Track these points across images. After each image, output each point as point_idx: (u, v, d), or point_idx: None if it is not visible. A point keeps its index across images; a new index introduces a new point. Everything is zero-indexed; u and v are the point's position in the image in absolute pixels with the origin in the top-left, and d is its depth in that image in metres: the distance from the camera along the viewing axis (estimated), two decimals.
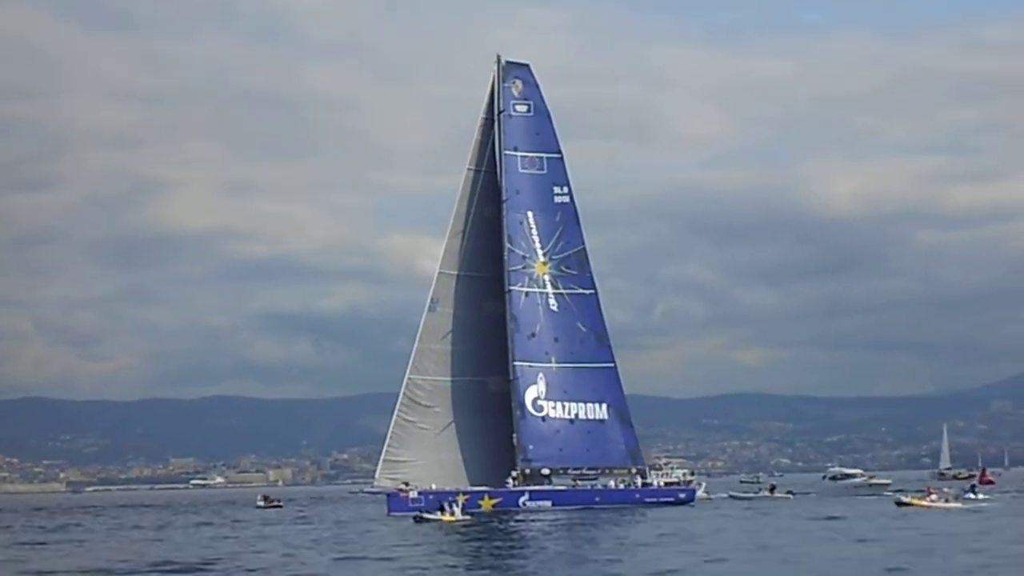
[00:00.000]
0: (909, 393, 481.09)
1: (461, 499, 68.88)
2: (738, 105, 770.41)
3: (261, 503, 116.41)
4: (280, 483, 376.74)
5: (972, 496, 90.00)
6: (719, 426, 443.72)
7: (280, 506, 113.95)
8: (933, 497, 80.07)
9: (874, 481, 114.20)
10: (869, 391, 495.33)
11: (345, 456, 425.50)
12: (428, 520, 64.12)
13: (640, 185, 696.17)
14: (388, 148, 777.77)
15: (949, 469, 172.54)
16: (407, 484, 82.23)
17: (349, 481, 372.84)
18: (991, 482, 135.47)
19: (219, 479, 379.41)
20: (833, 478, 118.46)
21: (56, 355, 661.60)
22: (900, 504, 78.83)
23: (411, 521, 68.93)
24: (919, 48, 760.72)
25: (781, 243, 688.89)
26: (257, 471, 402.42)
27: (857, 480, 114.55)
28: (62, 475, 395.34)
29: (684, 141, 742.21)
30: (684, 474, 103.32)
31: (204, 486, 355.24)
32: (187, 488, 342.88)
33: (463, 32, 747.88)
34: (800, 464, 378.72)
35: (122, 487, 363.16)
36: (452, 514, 63.72)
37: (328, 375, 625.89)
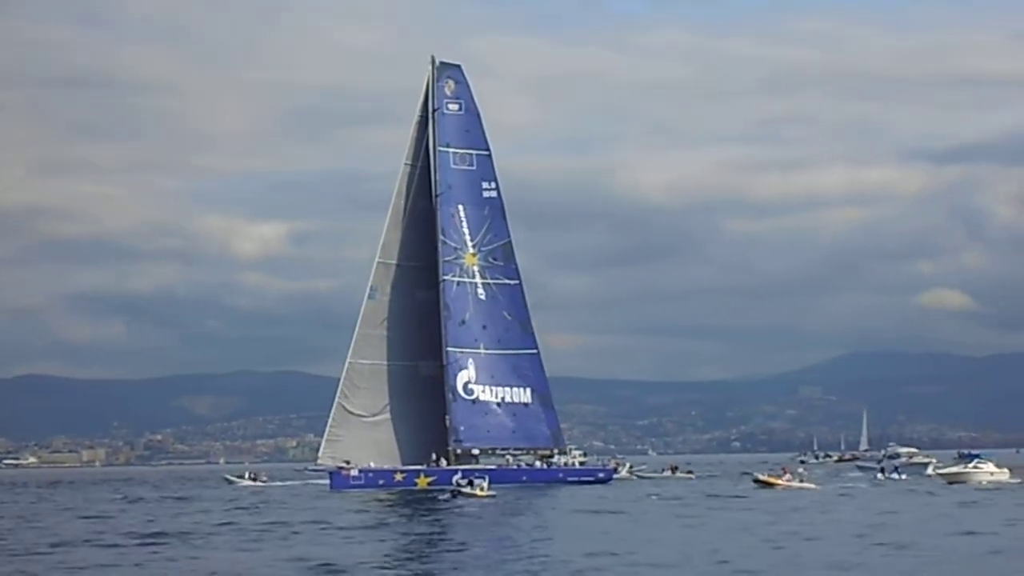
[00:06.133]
0: (719, 378, 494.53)
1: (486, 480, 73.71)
2: (554, 94, 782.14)
3: (247, 480, 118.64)
4: (97, 463, 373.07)
5: (896, 477, 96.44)
6: None
7: (266, 481, 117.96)
8: (788, 477, 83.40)
9: (915, 460, 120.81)
10: (680, 376, 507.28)
11: (159, 437, 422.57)
12: (464, 494, 69.38)
13: None
14: (205, 131, 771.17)
15: (867, 451, 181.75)
16: (348, 462, 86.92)
17: (164, 462, 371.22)
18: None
19: (32, 459, 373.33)
20: (889, 457, 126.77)
21: None
22: (757, 482, 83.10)
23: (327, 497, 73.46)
24: (730, 40, 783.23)
25: (595, 230, 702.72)
26: (70, 451, 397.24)
27: (901, 459, 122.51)
28: None
29: (500, 128, 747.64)
30: (576, 455, 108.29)
31: (16, 466, 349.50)
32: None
33: (281, 17, 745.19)
34: (613, 447, 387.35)
35: None
36: (483, 489, 68.76)
37: (141, 356, 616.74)
